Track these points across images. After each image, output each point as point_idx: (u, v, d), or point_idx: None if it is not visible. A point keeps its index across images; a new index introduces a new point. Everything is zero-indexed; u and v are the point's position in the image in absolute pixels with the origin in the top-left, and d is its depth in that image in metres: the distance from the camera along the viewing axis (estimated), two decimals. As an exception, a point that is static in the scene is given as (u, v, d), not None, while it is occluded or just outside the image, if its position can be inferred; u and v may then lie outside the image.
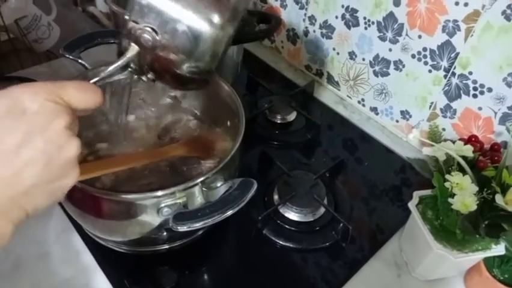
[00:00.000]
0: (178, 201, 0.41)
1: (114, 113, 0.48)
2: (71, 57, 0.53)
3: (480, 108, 0.61)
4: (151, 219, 0.42)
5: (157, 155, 0.52)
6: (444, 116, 0.67)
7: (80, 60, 0.54)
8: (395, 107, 0.74)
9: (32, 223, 0.55)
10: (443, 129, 0.67)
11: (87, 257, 0.52)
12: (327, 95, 0.83)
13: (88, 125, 0.56)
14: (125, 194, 0.40)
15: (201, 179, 0.42)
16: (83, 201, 0.43)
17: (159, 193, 0.40)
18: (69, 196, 0.44)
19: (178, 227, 0.37)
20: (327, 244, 0.56)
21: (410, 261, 0.55)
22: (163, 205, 0.41)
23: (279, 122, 0.74)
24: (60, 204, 0.55)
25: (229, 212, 0.38)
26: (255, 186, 0.41)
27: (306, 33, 0.83)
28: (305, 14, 0.81)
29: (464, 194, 0.43)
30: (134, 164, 0.48)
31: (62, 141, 0.29)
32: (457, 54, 0.61)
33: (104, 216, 0.43)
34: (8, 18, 0.86)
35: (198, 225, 0.37)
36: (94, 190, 0.40)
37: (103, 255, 0.52)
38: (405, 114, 0.73)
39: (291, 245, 0.56)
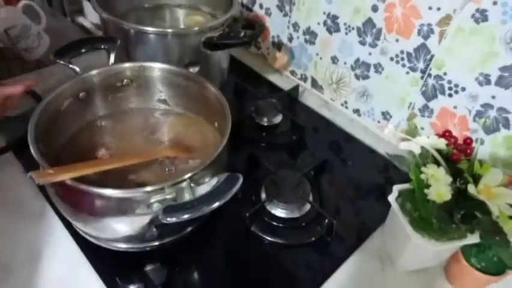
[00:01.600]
0: (168, 196, 0.43)
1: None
2: (62, 62, 0.55)
3: (455, 107, 0.65)
4: (141, 215, 0.44)
5: (146, 156, 0.54)
6: (423, 116, 0.70)
7: (71, 65, 0.56)
8: (376, 108, 0.77)
9: (22, 225, 0.56)
10: (422, 128, 0.71)
11: (78, 257, 0.53)
12: (311, 99, 0.86)
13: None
14: (116, 189, 0.42)
15: (189, 174, 0.44)
16: (75, 198, 0.45)
17: (149, 188, 0.42)
18: (60, 194, 0.46)
19: (168, 219, 0.39)
20: (313, 239, 0.58)
21: (392, 253, 0.57)
22: (153, 200, 0.43)
23: (265, 124, 0.77)
24: (51, 204, 0.56)
25: (216, 204, 0.40)
26: (241, 180, 0.42)
27: (290, 39, 0.86)
28: (289, 21, 0.84)
29: (439, 185, 0.46)
30: (123, 163, 0.50)
31: None
32: (432, 56, 0.64)
33: (95, 213, 0.45)
34: (-2, 28, 0.88)
35: (186, 216, 0.39)
36: (84, 186, 0.42)
37: (94, 253, 0.53)
38: (386, 115, 0.76)
39: (279, 241, 0.57)
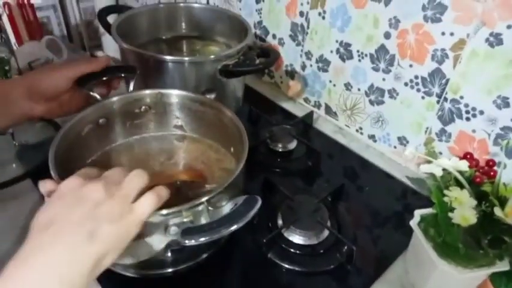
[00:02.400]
0: (185, 219, 0.42)
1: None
2: (83, 89, 0.57)
3: (474, 131, 0.64)
4: (158, 238, 0.43)
5: (161, 180, 0.54)
6: (440, 140, 0.69)
7: (91, 93, 0.58)
8: (392, 133, 0.77)
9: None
10: (440, 153, 0.69)
11: (91, 283, 0.52)
12: (325, 125, 0.86)
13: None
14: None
15: (206, 198, 0.44)
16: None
17: (165, 212, 0.42)
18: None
19: (186, 241, 0.38)
20: (332, 267, 0.56)
21: (415, 282, 0.55)
22: (170, 223, 0.42)
23: (280, 150, 0.77)
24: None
25: (235, 227, 0.39)
26: (260, 202, 0.42)
27: (303, 67, 0.88)
28: (302, 50, 0.86)
29: (464, 208, 0.44)
30: None
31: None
32: (447, 80, 0.64)
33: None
34: (22, 61, 0.92)
35: (204, 239, 0.38)
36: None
37: (107, 279, 0.51)
38: (402, 140, 0.75)
39: (296, 268, 0.56)
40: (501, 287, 0.50)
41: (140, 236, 0.43)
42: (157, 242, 0.44)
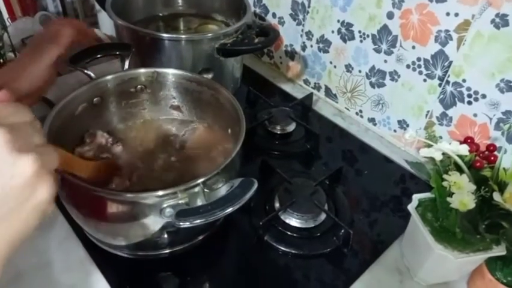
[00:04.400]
0: (180, 201, 0.42)
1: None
2: (77, 67, 0.55)
3: (475, 115, 0.63)
4: (153, 220, 0.43)
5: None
6: (441, 124, 0.68)
7: (86, 71, 0.56)
8: (392, 117, 0.76)
9: (33, 232, 0.55)
10: (440, 137, 0.69)
11: (89, 264, 0.52)
12: (325, 108, 0.85)
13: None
14: (128, 193, 0.41)
15: (202, 179, 0.43)
16: (87, 203, 0.44)
17: (160, 193, 0.41)
18: (71, 197, 0.45)
19: (181, 223, 0.38)
20: (329, 250, 0.56)
21: (411, 265, 0.55)
22: (165, 205, 0.41)
23: (278, 132, 0.76)
24: (62, 210, 0.55)
25: (230, 209, 0.39)
26: (256, 184, 0.41)
27: (303, 48, 0.86)
28: (302, 30, 0.84)
29: (462, 193, 0.44)
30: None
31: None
32: (450, 62, 0.63)
33: (107, 218, 0.44)
34: (16, 38, 0.89)
35: (199, 221, 0.38)
36: (97, 190, 0.41)
37: (105, 261, 0.51)
38: (402, 124, 0.74)
39: (293, 251, 0.56)
40: (496, 271, 0.50)
41: (135, 217, 0.43)
42: (152, 223, 0.43)
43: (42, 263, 0.52)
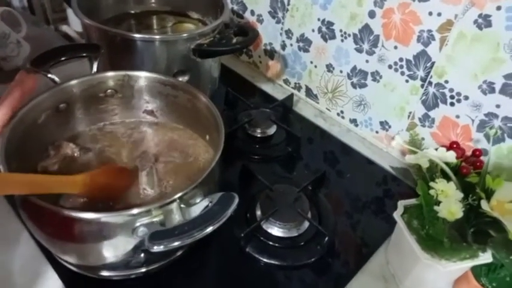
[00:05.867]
0: (155, 219, 0.39)
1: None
2: (39, 71, 0.51)
3: (458, 116, 0.62)
4: (125, 240, 0.39)
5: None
6: (423, 125, 0.67)
7: (49, 75, 0.51)
8: (374, 118, 0.74)
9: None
10: (422, 139, 0.68)
11: (58, 286, 0.48)
12: (306, 108, 0.83)
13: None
14: (97, 213, 0.37)
15: (179, 194, 0.40)
16: (51, 223, 0.40)
17: (134, 211, 0.38)
18: (34, 218, 0.41)
19: (155, 247, 0.35)
20: (313, 260, 0.54)
21: (397, 273, 0.54)
22: (138, 224, 0.38)
23: (259, 136, 0.73)
24: (27, 228, 0.51)
25: (210, 229, 0.36)
26: (236, 200, 0.39)
27: (283, 47, 0.83)
28: (282, 28, 0.81)
29: (450, 201, 0.43)
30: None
31: None
32: (433, 63, 0.62)
33: (74, 240, 0.40)
34: (-26, 36, 0.83)
35: (176, 244, 0.35)
36: (62, 210, 0.37)
37: (75, 283, 0.48)
38: (384, 125, 0.73)
39: (276, 262, 0.53)
40: (481, 277, 0.50)
41: (105, 237, 0.40)
42: (123, 243, 0.40)
43: (5, 284, 0.48)
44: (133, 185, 0.49)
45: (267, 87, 0.88)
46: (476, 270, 0.50)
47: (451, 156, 0.45)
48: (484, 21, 0.54)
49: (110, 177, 0.47)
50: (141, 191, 0.49)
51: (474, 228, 0.46)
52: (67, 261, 0.48)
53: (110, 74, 0.55)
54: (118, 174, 0.49)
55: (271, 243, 0.55)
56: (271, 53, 0.87)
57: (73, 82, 0.52)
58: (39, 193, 0.37)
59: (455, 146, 0.48)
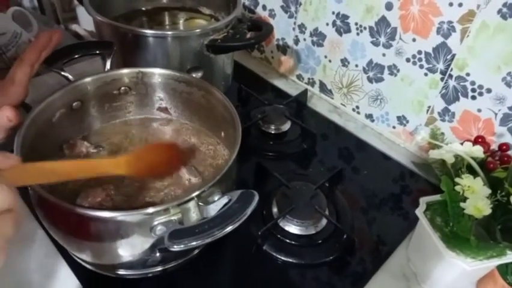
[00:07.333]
0: (173, 218, 0.38)
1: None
2: (53, 69, 0.50)
3: (479, 110, 0.60)
4: (143, 239, 0.39)
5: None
6: (443, 120, 0.65)
7: (62, 72, 0.51)
8: (391, 112, 0.72)
9: (10, 250, 0.50)
10: (442, 133, 0.66)
11: (74, 285, 0.47)
12: (320, 104, 0.81)
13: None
14: (113, 212, 0.37)
15: (197, 193, 0.39)
16: (67, 222, 0.40)
17: (151, 210, 0.37)
18: (50, 217, 0.41)
19: (175, 246, 0.34)
20: (331, 258, 0.53)
21: (419, 272, 0.52)
22: (156, 223, 0.37)
23: (273, 132, 0.72)
24: (43, 226, 0.51)
25: (230, 228, 0.35)
26: (257, 198, 0.37)
27: (296, 42, 0.82)
28: (295, 23, 0.80)
29: (477, 198, 0.41)
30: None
31: None
32: (453, 55, 0.60)
33: (91, 238, 0.40)
34: (-14, 36, 0.83)
35: (195, 243, 0.34)
36: (79, 209, 0.37)
37: (91, 281, 0.47)
38: (402, 120, 0.71)
39: (293, 261, 0.52)
40: (508, 275, 0.48)
41: (123, 235, 0.39)
42: (142, 242, 0.39)
43: (21, 283, 0.47)
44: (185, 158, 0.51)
45: (279, 83, 0.86)
46: (503, 269, 0.48)
47: (478, 151, 0.43)
48: (509, 11, 0.52)
49: (156, 154, 0.46)
50: (186, 182, 0.49)
51: (501, 226, 0.44)
52: (83, 260, 0.47)
53: (124, 71, 0.54)
54: (164, 150, 0.48)
55: (288, 241, 0.54)
56: (283, 49, 0.85)
57: (87, 80, 0.52)
58: (85, 177, 0.39)
59: (480, 140, 0.46)
